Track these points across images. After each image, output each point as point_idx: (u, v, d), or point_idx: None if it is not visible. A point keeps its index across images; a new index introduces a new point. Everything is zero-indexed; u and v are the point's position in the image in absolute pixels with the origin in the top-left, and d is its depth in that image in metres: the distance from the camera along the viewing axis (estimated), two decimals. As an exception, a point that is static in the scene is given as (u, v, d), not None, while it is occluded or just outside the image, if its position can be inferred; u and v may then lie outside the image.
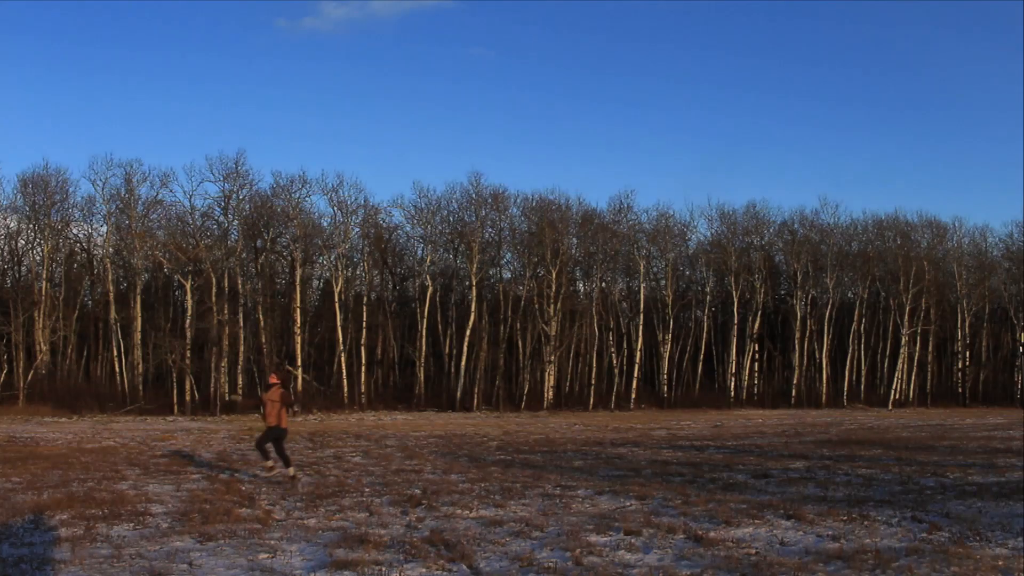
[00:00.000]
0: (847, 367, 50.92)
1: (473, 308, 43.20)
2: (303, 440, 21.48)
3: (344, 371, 41.34)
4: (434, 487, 11.94)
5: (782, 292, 54.36)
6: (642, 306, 47.11)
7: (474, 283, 43.66)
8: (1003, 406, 49.65)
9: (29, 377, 37.84)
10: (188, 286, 39.24)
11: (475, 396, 42.07)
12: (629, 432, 26.39)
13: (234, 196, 41.06)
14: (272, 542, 8.00)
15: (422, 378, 43.00)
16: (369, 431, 25.81)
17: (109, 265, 41.29)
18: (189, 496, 11.04)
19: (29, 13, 77.93)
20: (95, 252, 43.37)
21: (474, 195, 45.06)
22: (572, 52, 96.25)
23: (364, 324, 42.71)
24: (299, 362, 40.45)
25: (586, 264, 48.31)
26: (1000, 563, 7.20)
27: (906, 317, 50.94)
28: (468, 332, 42.97)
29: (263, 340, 40.57)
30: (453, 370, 43.79)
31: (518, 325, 45.27)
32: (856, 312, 51.53)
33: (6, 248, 42.34)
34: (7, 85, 79.11)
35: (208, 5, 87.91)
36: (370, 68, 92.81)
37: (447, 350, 44.72)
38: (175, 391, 37.71)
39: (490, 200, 45.24)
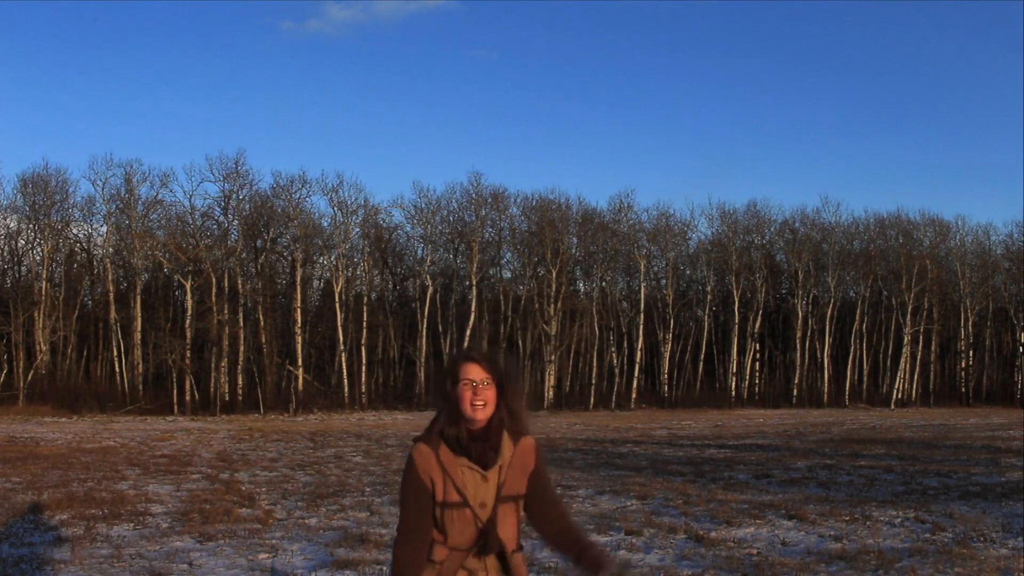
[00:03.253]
0: (849, 366, 50.88)
1: (473, 308, 43.18)
2: (304, 440, 21.46)
3: (344, 371, 41.33)
4: (435, 487, 11.89)
5: (783, 291, 54.32)
6: (642, 305, 47.08)
7: (474, 283, 43.65)
8: (1005, 406, 49.60)
9: (29, 377, 37.83)
10: (188, 286, 39.21)
11: (476, 396, 42.02)
12: (630, 432, 26.35)
13: (234, 196, 41.07)
14: (273, 542, 7.97)
15: (423, 378, 42.97)
16: (370, 431, 25.79)
17: (109, 265, 41.28)
18: (189, 496, 11.01)
19: (29, 13, 77.88)
20: (95, 252, 43.39)
21: (474, 195, 45.10)
22: (572, 52, 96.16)
23: (364, 324, 42.70)
24: (299, 362, 40.44)
25: (586, 264, 48.30)
26: (1002, 563, 7.17)
27: (908, 316, 50.90)
28: (468, 332, 42.94)
29: (263, 340, 40.55)
30: (454, 370, 43.74)
31: (518, 325, 45.26)
32: (858, 311, 51.48)
33: (6, 248, 42.35)
34: (7, 85, 79.05)
35: (216, 7, 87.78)
36: (371, 69, 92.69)
37: (447, 350, 44.68)
38: (175, 391, 37.70)
39: (490, 200, 45.25)
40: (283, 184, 42.28)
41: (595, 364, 45.56)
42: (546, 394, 43.45)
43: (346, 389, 40.99)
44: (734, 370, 48.86)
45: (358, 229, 44.15)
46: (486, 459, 3.00)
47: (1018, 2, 77.83)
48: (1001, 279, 53.92)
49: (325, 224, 43.81)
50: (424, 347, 43.16)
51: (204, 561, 7.20)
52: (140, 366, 39.47)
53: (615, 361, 47.10)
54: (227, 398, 38.63)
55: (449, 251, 47.24)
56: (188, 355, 37.99)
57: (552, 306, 43.73)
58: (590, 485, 12.22)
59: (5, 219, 41.48)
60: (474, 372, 3.00)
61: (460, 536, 3.00)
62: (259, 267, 42.32)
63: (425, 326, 43.47)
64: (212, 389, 38.53)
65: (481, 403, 2.99)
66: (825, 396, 49.38)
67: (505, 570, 3.07)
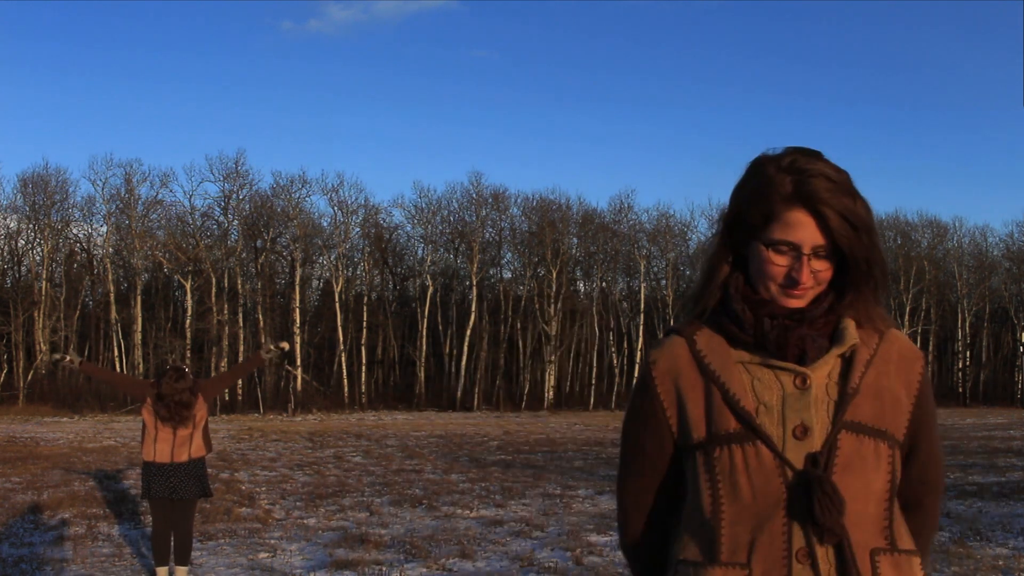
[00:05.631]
0: (847, 367, 50.88)
1: (473, 308, 43.20)
2: (303, 440, 21.49)
3: (344, 371, 41.35)
4: (434, 487, 11.94)
5: (782, 292, 54.34)
6: (642, 306, 47.11)
7: (474, 283, 43.68)
8: (1003, 406, 49.62)
9: (29, 377, 37.86)
10: (188, 286, 39.24)
11: (475, 396, 42.09)
12: (629, 432, 26.34)
13: (234, 196, 41.12)
14: (272, 541, 8.00)
15: (422, 378, 43.00)
16: (369, 431, 25.82)
17: (109, 265, 41.30)
18: (189, 496, 11.02)
19: (29, 13, 77.90)
20: (95, 252, 43.43)
21: (474, 195, 45.15)
22: (572, 52, 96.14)
23: (364, 324, 42.72)
24: (299, 362, 40.47)
25: (586, 264, 48.33)
26: (1000, 563, 7.20)
27: (906, 317, 50.93)
28: (468, 332, 42.96)
29: (263, 340, 40.56)
30: (453, 370, 43.79)
31: (518, 325, 45.28)
32: (857, 312, 51.48)
33: (6, 248, 42.38)
34: (7, 85, 79.05)
35: (216, 7, 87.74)
36: (371, 69, 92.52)
37: (447, 350, 44.73)
38: (175, 391, 37.69)
39: (490, 200, 45.30)
40: (283, 184, 42.39)
41: (595, 364, 45.58)
42: (546, 394, 43.48)
43: (346, 389, 41.01)
44: (733, 370, 48.86)
45: (358, 229, 44.24)
46: (803, 345, 1.49)
47: (1018, 2, 77.87)
48: (999, 279, 53.99)
49: (325, 224, 43.90)
50: (424, 347, 43.19)
51: (204, 560, 7.23)
52: (141, 366, 39.50)
53: (615, 361, 47.12)
54: (227, 398, 38.66)
55: (449, 251, 47.31)
56: (188, 355, 38.01)
57: (552, 306, 43.76)
58: (590, 485, 12.25)
59: (5, 219, 41.55)
60: (803, 231, 1.48)
61: (749, 511, 1.46)
62: (259, 267, 42.35)
63: (425, 326, 43.49)
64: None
65: (805, 288, 1.50)
66: (824, 396, 49.37)
67: None
